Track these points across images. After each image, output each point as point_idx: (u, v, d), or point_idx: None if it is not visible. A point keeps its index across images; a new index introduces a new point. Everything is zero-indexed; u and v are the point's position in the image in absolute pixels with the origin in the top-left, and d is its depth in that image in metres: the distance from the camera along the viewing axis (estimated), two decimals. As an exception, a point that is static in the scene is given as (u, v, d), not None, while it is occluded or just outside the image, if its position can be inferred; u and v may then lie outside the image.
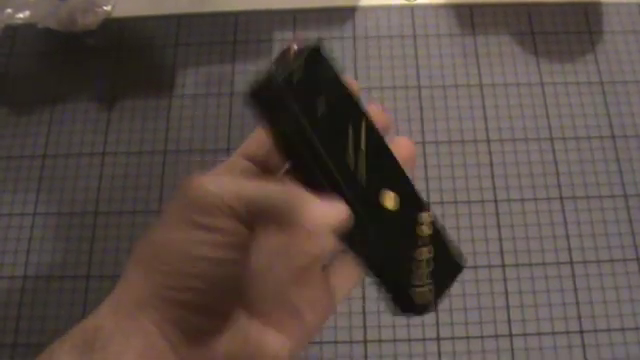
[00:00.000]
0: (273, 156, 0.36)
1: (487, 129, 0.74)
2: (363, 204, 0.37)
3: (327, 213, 0.34)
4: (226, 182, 0.33)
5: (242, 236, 0.32)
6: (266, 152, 0.36)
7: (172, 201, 0.34)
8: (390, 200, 0.38)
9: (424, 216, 0.39)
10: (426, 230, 0.39)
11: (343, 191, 0.35)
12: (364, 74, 0.77)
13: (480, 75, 0.77)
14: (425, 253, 0.39)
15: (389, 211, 0.38)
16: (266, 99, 0.34)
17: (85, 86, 0.79)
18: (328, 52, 0.34)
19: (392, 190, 0.38)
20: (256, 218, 0.32)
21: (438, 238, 0.39)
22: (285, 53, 0.34)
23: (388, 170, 0.39)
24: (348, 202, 0.35)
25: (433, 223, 0.39)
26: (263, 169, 0.37)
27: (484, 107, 0.75)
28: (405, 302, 0.39)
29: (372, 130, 0.38)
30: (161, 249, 0.32)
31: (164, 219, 0.33)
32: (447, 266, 0.40)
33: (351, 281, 0.40)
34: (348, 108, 0.37)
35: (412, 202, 0.39)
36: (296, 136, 0.34)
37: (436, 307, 0.39)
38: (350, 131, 0.36)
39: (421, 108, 0.75)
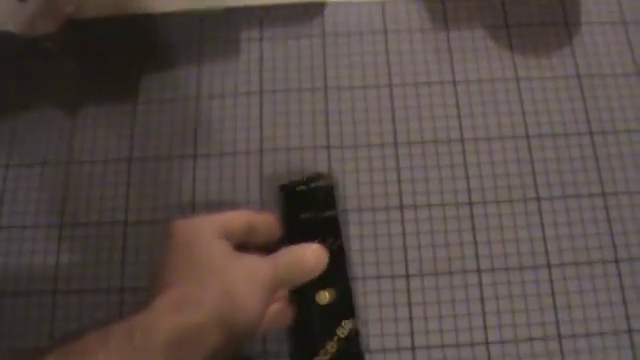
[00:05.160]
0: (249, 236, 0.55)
1: (461, 128, 0.72)
2: (302, 295, 0.57)
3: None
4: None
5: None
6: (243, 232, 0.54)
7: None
8: (324, 298, 0.58)
9: (346, 322, 0.57)
10: (341, 333, 0.56)
11: None
12: (333, 74, 0.75)
13: (453, 71, 0.75)
14: (332, 347, 0.56)
15: (320, 305, 0.57)
16: (285, 196, 0.63)
17: (47, 93, 0.76)
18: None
19: (331, 289, 0.58)
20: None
21: (349, 342, 0.57)
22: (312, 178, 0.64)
23: (334, 273, 0.57)
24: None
25: (351, 330, 0.57)
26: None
27: (458, 105, 0.73)
28: None
29: (336, 244, 0.60)
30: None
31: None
32: None
33: (282, 323, 0.58)
34: (330, 224, 0.61)
35: (344, 306, 0.58)
36: (286, 223, 0.60)
37: None
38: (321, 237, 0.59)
39: (393, 108, 0.73)
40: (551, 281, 0.66)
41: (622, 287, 0.66)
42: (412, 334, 0.64)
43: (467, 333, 0.64)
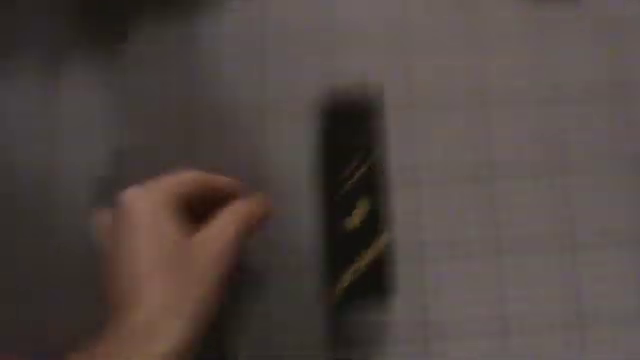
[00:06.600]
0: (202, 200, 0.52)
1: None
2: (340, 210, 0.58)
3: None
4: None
5: None
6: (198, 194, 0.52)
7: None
8: (360, 213, 0.57)
9: (384, 235, 0.57)
10: (377, 245, 0.56)
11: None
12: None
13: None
14: (367, 257, 0.56)
15: (352, 228, 0.57)
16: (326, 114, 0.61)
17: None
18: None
19: (367, 202, 0.58)
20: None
21: (385, 253, 0.56)
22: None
23: (372, 189, 0.58)
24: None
25: (387, 242, 0.57)
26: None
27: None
28: (329, 294, 0.58)
29: (374, 165, 0.59)
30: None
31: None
32: (371, 288, 0.56)
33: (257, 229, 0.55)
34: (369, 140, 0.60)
35: (381, 219, 0.57)
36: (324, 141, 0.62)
37: (343, 310, 0.62)
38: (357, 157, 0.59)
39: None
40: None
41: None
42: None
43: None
